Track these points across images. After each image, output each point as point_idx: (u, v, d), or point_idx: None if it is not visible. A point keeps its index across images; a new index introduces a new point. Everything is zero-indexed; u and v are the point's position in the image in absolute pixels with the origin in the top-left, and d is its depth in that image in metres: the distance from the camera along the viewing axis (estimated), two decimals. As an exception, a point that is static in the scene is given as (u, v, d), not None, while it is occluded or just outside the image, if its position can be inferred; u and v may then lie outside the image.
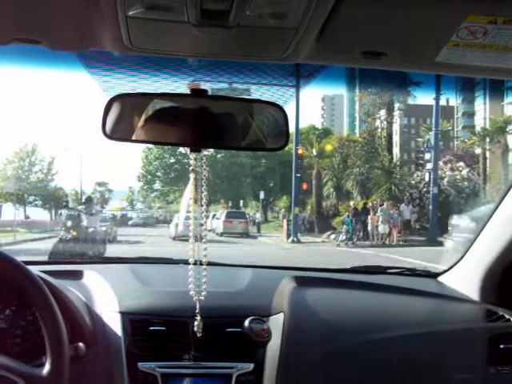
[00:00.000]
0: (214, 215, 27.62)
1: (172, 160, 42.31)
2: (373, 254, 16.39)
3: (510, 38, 1.14)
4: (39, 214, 36.16)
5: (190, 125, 1.54)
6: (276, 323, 2.00)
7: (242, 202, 39.13)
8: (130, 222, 35.40)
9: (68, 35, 1.24)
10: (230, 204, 37.63)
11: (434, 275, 2.62)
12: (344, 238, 21.57)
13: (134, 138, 1.56)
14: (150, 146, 39.42)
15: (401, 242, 21.44)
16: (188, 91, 1.55)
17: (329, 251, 18.65)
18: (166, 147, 37.96)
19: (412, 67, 1.39)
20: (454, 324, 2.23)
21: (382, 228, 22.11)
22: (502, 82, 21.18)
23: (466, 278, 2.40)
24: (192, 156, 1.74)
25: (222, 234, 25.01)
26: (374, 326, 2.12)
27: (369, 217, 22.68)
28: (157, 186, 45.38)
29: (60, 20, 1.17)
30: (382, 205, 23.77)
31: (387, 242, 21.64)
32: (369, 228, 22.65)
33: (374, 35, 1.19)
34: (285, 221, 25.96)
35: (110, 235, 22.48)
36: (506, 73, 1.36)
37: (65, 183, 39.62)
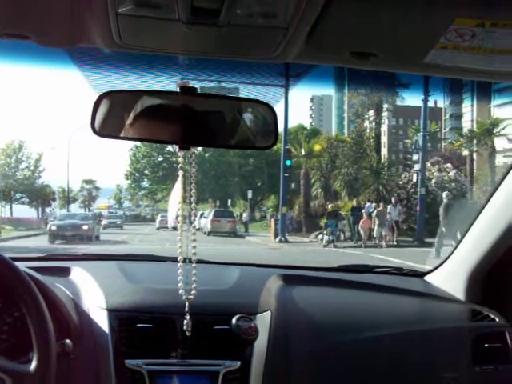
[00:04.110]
0: (202, 214, 27.59)
1: (160, 158, 42.24)
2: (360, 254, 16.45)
3: (497, 41, 1.15)
4: (25, 212, 35.83)
5: (179, 122, 1.54)
6: (263, 321, 2.00)
7: (229, 201, 39.11)
8: (102, 223, 29.39)
9: (58, 31, 1.24)
10: (218, 203, 37.59)
11: (420, 274, 2.64)
12: (330, 239, 21.21)
13: (122, 134, 1.56)
14: (138, 143, 39.37)
15: (389, 243, 21.23)
16: (177, 89, 1.55)
17: (317, 251, 18.66)
18: (154, 145, 37.88)
19: (400, 68, 1.40)
20: (439, 323, 2.25)
21: (377, 231, 21.39)
22: (489, 84, 21.35)
23: (451, 278, 2.42)
24: (180, 154, 1.74)
25: (209, 233, 24.96)
26: (361, 325, 2.14)
27: (361, 221, 21.96)
28: (145, 184, 45.29)
29: (50, 16, 1.16)
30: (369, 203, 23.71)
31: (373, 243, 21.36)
32: (361, 232, 21.81)
33: (363, 36, 1.19)
34: (272, 220, 25.94)
35: (92, 234, 21.38)
36: (494, 75, 1.37)
37: (52, 180, 39.16)
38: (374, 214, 21.84)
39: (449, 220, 16.45)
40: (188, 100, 1.53)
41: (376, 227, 21.46)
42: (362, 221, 21.97)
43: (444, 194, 18.90)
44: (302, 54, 1.27)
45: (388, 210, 22.72)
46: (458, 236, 2.39)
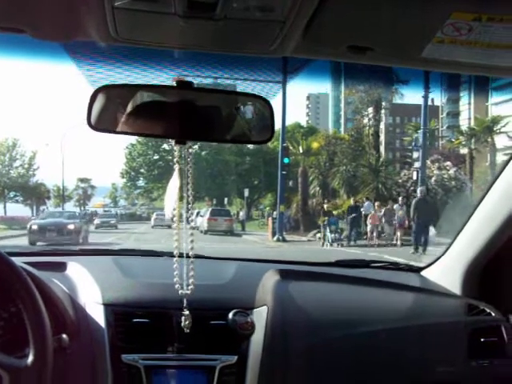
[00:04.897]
0: (199, 212, 27.51)
1: (156, 157, 42.17)
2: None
3: (493, 35, 1.15)
4: (20, 210, 35.65)
5: (176, 117, 1.54)
6: (259, 316, 2.01)
7: (226, 199, 39.08)
8: (94, 222, 28.30)
9: (53, 25, 1.23)
10: (214, 202, 37.56)
11: (416, 269, 2.64)
12: (335, 237, 20.95)
13: (118, 129, 1.55)
14: (134, 141, 39.30)
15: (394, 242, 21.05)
16: (174, 83, 1.55)
17: (316, 250, 18.57)
18: (149, 143, 37.84)
19: (398, 62, 1.40)
20: (435, 318, 2.25)
21: (388, 228, 21.30)
22: (486, 82, 21.34)
23: (448, 273, 2.43)
24: (177, 148, 1.74)
25: (206, 232, 24.89)
26: (357, 320, 2.14)
27: (369, 216, 21.70)
28: (140, 182, 45.24)
29: (45, 9, 1.16)
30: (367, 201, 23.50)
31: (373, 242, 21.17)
32: (368, 228, 21.56)
33: (360, 30, 1.20)
34: (270, 219, 25.86)
35: (79, 234, 18.85)
36: (491, 69, 1.37)
37: (47, 179, 38.94)
38: (381, 213, 21.74)
39: (418, 215, 16.73)
40: (184, 94, 1.53)
41: (385, 226, 21.39)
42: (369, 216, 21.74)
43: (418, 190, 19.09)
44: (299, 48, 1.27)
45: (394, 208, 22.46)
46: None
